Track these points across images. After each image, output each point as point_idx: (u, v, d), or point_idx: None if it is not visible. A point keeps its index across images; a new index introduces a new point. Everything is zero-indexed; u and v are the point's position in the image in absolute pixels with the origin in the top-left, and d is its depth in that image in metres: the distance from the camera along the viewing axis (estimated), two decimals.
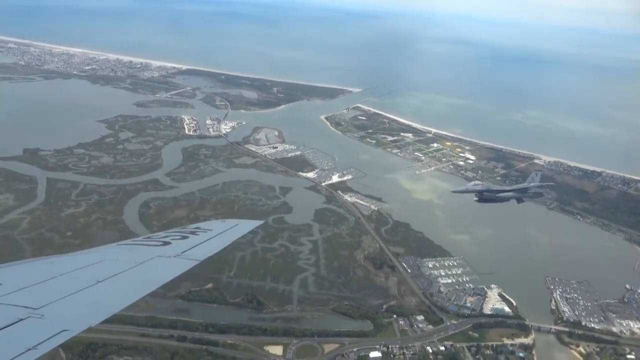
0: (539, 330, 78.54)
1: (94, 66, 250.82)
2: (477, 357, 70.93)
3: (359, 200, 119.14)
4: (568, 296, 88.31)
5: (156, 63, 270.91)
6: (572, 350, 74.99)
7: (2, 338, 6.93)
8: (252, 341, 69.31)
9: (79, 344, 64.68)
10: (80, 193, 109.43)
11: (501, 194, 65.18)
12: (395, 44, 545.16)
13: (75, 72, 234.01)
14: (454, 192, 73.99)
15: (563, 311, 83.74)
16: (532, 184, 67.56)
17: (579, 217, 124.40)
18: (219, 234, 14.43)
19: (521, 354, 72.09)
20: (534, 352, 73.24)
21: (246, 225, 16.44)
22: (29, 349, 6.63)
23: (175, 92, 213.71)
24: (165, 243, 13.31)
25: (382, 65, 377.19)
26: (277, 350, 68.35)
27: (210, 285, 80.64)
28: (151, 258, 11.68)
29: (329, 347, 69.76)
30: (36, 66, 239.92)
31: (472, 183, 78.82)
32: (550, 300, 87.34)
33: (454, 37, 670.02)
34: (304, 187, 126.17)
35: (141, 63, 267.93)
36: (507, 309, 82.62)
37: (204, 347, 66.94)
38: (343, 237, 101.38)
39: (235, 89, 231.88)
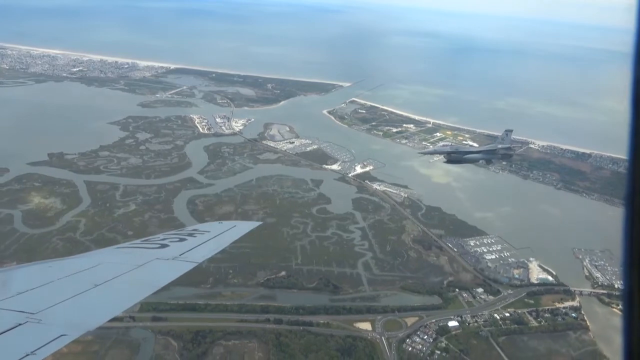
0: (581, 294, 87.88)
1: (81, 68, 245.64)
2: (538, 319, 79.43)
3: (387, 189, 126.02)
4: (596, 264, 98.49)
5: (143, 63, 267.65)
6: (614, 309, 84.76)
7: (0, 343, 6.92)
8: (342, 319, 75.03)
9: (188, 332, 68.98)
10: (123, 194, 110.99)
11: (469, 155, 68.35)
12: (364, 37, 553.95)
13: (64, 75, 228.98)
14: (421, 153, 77.80)
15: (596, 277, 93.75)
16: (499, 145, 70.49)
17: (584, 194, 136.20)
18: (216, 236, 14.43)
19: (574, 315, 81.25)
20: (582, 312, 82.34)
21: (244, 227, 16.26)
22: (27, 355, 6.64)
23: (174, 91, 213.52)
24: (163, 245, 13.26)
25: (360, 58, 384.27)
26: (366, 326, 74.34)
27: (283, 273, 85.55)
28: (149, 261, 11.65)
29: (410, 320, 76.40)
30: (21, 69, 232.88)
31: (441, 144, 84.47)
32: (583, 268, 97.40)
33: (418, 29, 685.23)
34: (333, 178, 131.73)
35: (128, 63, 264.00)
36: (550, 277, 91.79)
37: (301, 327, 72.14)
38: (386, 223, 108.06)
39: (230, 87, 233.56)
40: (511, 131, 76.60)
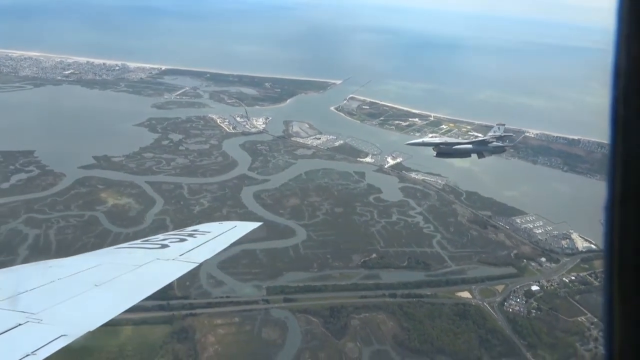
0: None
1: (72, 70, 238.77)
2: (598, 280, 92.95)
3: (425, 177, 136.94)
4: None
5: (132, 64, 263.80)
6: None
7: (0, 343, 6.95)
8: (444, 291, 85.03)
9: (324, 309, 76.48)
10: (189, 192, 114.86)
11: (459, 147, 68.52)
12: (328, 34, 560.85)
13: (59, 78, 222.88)
14: (408, 144, 79.83)
15: None
16: (490, 134, 70.61)
17: (588, 175, 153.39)
18: (217, 236, 14.55)
19: None
20: None
21: (244, 228, 16.39)
22: (27, 355, 6.65)
23: (179, 92, 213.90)
24: (164, 246, 13.37)
25: (334, 56, 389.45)
26: (465, 294, 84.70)
27: (374, 255, 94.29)
28: (149, 261, 11.71)
29: (499, 288, 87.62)
30: (11, 73, 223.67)
31: (430, 136, 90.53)
32: None
33: (375, 26, 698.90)
34: (372, 170, 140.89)
35: (118, 65, 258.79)
36: (593, 245, 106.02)
37: (414, 299, 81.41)
38: (439, 208, 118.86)
39: (231, 87, 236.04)
40: (503, 125, 75.95)
